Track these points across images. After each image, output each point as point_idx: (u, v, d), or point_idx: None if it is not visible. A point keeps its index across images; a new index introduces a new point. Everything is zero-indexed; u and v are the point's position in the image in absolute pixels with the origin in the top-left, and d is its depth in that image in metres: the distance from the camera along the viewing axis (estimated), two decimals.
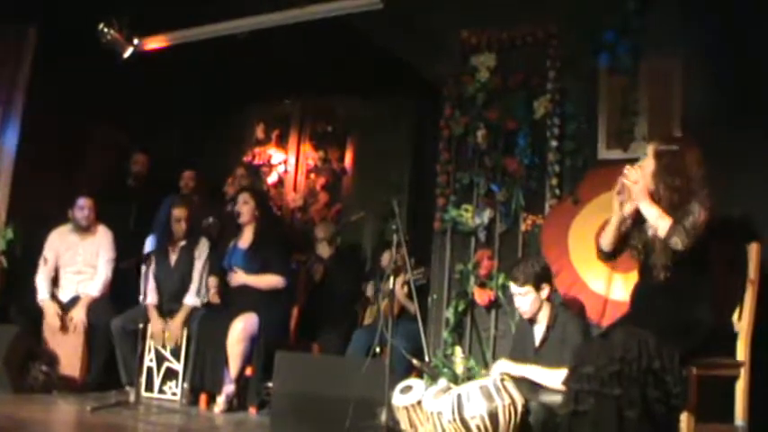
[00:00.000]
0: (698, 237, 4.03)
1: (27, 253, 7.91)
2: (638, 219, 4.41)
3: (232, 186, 8.91)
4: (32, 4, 7.72)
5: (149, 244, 7.42)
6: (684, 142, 4.39)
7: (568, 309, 5.36)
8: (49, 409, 6.37)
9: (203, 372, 6.78)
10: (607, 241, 4.51)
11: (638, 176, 4.31)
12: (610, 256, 4.61)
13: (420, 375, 5.85)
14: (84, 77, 8.09)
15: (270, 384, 6.20)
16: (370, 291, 7.65)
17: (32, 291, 7.48)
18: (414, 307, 6.26)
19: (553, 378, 4.84)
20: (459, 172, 6.61)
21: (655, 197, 4.26)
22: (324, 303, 7.87)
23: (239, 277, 7.03)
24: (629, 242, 4.48)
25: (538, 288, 5.16)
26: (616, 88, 6.09)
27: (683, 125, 5.73)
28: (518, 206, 6.33)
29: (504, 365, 5.14)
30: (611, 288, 5.56)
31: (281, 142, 10.33)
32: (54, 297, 7.48)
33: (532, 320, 5.27)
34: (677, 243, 4.05)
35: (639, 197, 4.28)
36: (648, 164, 4.34)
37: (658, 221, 4.17)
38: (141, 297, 6.99)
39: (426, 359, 5.87)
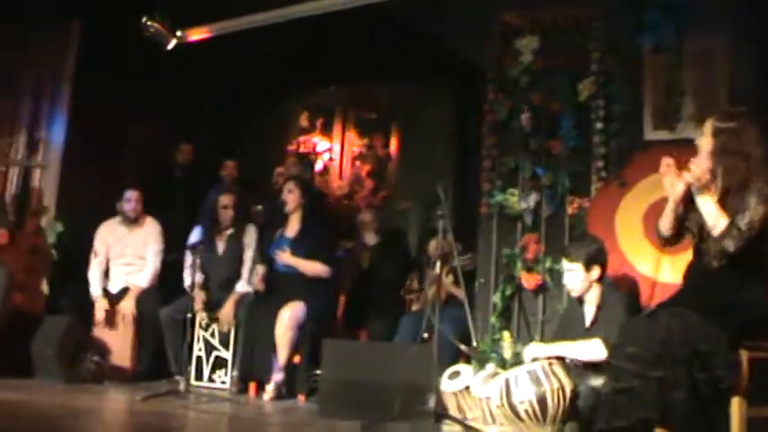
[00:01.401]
0: (752, 237, 3.91)
1: (76, 245, 7.97)
2: (691, 201, 4.28)
3: (282, 176, 8.91)
4: None
5: (195, 235, 7.48)
6: (744, 119, 4.21)
7: (616, 288, 5.30)
8: (100, 398, 6.43)
9: (252, 360, 6.79)
10: (665, 226, 4.40)
11: (702, 172, 4.14)
12: (671, 240, 4.49)
13: (468, 361, 5.87)
14: (128, 70, 8.15)
15: (318, 372, 6.18)
16: (416, 277, 7.62)
17: (83, 282, 7.55)
18: (461, 293, 6.24)
19: (583, 349, 4.86)
20: (504, 156, 6.59)
21: (712, 178, 4.12)
22: (370, 290, 7.87)
23: (286, 257, 7.01)
24: (684, 224, 4.37)
25: (588, 268, 5.12)
26: (661, 68, 6.04)
27: (729, 105, 5.64)
28: (564, 189, 6.30)
29: (534, 349, 5.13)
30: (659, 270, 5.49)
31: (326, 130, 10.38)
32: (106, 291, 7.56)
33: (581, 300, 5.24)
34: (729, 246, 3.94)
35: (699, 192, 4.13)
36: (706, 142, 4.19)
37: (714, 220, 4.03)
38: (188, 287, 7.04)
39: (474, 344, 5.89)
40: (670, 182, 4.21)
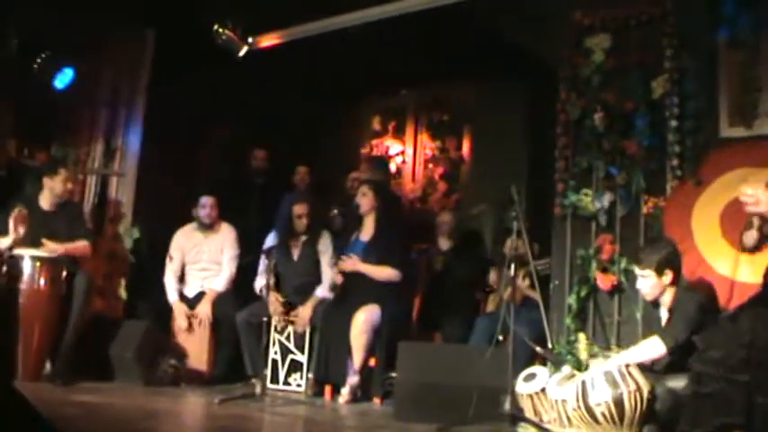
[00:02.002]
0: None
1: (153, 251, 8.13)
2: None
3: (356, 180, 8.94)
4: (150, 7, 7.85)
5: (270, 239, 7.49)
6: None
7: (691, 289, 5.21)
8: (177, 401, 6.50)
9: (327, 363, 6.81)
10: (751, 240, 4.31)
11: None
12: (754, 249, 4.41)
13: (543, 362, 5.84)
14: (201, 77, 8.26)
15: (393, 375, 6.22)
16: (492, 278, 7.61)
17: (160, 287, 7.68)
18: (536, 295, 6.23)
19: (642, 351, 4.89)
20: (578, 156, 6.52)
21: None
22: (445, 292, 7.83)
23: (351, 263, 7.04)
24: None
25: (660, 273, 5.05)
26: (737, 63, 5.93)
27: None
28: (638, 189, 6.21)
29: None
30: (737, 270, 5.37)
31: (398, 133, 10.42)
32: (182, 295, 7.67)
33: (656, 303, 5.17)
34: None
35: None
36: None
37: None
38: (263, 291, 7.12)
39: (549, 346, 5.86)
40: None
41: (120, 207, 8.40)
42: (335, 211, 8.32)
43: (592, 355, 5.42)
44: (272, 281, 7.07)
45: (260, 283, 7.31)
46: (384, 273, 7.00)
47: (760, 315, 3.78)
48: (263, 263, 7.31)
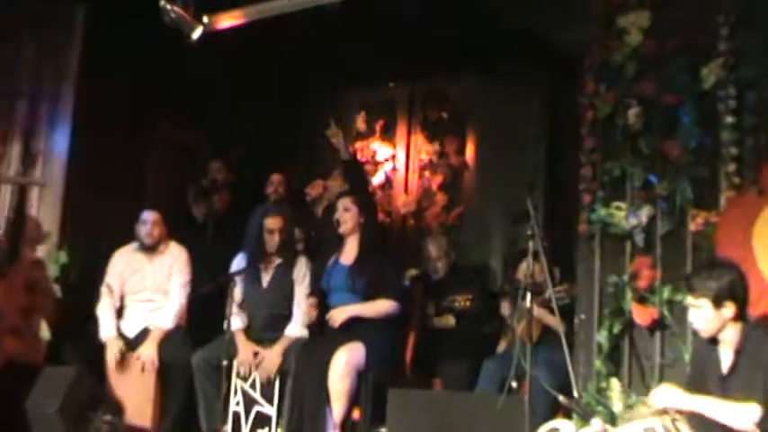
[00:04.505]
0: None
1: (84, 279, 8.03)
2: None
3: (318, 192, 8.92)
4: None
5: (238, 263, 7.51)
6: None
7: (761, 325, 5.13)
8: None
9: (301, 417, 6.73)
10: None
11: None
12: None
13: (568, 415, 5.81)
14: (145, 65, 8.22)
15: (383, 430, 6.21)
16: (504, 310, 7.58)
17: (93, 324, 7.60)
18: (559, 328, 6.11)
19: (739, 415, 4.69)
20: (608, 161, 6.49)
21: None
22: (445, 328, 7.83)
23: (341, 313, 6.97)
24: None
25: (719, 304, 4.92)
26: None
27: None
28: (684, 201, 6.15)
29: (668, 395, 4.98)
30: None
31: (387, 134, 10.42)
32: (120, 333, 7.59)
33: (715, 340, 5.08)
34: None
35: None
36: None
37: None
38: (226, 324, 7.01)
39: (575, 394, 5.75)
40: None
41: (41, 225, 8.23)
42: (296, 232, 8.13)
43: (628, 406, 5.40)
44: (240, 317, 7.11)
45: (235, 323, 7.25)
46: (380, 308, 7.00)
47: None
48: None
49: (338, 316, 6.97)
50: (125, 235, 7.86)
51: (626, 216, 6.32)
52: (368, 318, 6.95)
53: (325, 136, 9.66)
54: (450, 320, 7.86)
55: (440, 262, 8.28)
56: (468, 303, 7.35)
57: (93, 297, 7.68)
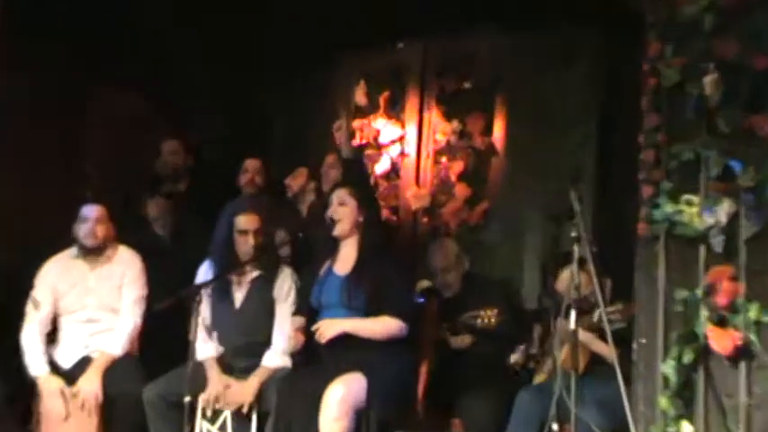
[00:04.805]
0: None
1: (5, 294, 7.86)
2: None
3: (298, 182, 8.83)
4: None
5: (204, 273, 7.41)
6: None
7: None
8: None
9: None
10: None
11: None
12: None
13: None
14: (83, 18, 8.18)
15: None
16: (537, 332, 7.52)
17: (16, 351, 7.43)
18: (612, 359, 5.94)
19: None
20: (677, 143, 6.21)
21: None
22: (465, 354, 7.80)
23: (332, 326, 6.78)
24: None
25: None
26: None
27: None
28: None
29: None
30: None
31: (394, 110, 10.32)
32: (53, 365, 7.44)
33: None
34: None
35: None
36: None
37: None
38: (191, 351, 6.80)
39: None
40: None
41: None
42: (281, 234, 8.10)
43: None
44: (210, 342, 7.12)
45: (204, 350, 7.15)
46: (383, 327, 6.82)
47: None
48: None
49: (328, 330, 6.77)
50: (62, 239, 7.71)
51: (699, 213, 6.06)
52: (368, 340, 6.79)
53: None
54: (465, 339, 7.83)
55: (449, 274, 8.28)
56: (493, 320, 7.22)
57: (16, 317, 7.50)
